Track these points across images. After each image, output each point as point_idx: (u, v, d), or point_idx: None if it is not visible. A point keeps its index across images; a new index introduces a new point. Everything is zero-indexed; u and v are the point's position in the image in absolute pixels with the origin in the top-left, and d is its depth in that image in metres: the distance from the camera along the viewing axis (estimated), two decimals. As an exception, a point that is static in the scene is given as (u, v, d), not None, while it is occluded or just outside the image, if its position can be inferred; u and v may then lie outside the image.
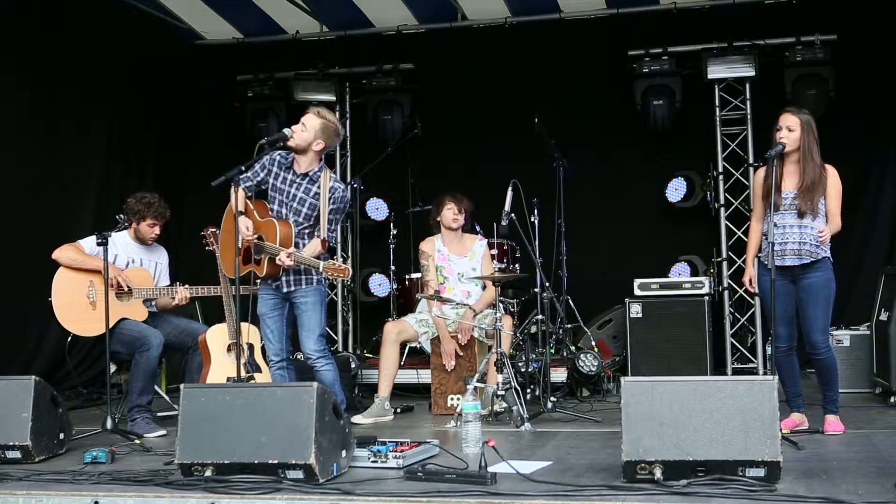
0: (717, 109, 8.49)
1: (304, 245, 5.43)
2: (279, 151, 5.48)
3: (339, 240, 5.51)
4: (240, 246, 5.12)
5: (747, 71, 8.18)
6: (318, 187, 5.43)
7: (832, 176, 5.24)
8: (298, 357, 6.98)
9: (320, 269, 5.22)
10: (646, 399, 3.93)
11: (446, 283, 6.70)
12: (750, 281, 5.42)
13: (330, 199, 5.41)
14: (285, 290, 5.44)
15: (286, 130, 5.38)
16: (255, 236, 5.36)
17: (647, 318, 7.50)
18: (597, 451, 4.81)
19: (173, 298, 6.09)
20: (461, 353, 6.45)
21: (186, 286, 6.10)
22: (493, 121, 8.74)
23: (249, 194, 5.50)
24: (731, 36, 8.22)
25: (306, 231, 5.46)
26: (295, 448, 4.03)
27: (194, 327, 6.24)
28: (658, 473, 3.82)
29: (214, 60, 9.22)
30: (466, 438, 4.84)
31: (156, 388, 6.34)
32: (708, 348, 7.40)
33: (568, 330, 7.67)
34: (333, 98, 8.92)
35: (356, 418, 6.09)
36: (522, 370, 6.55)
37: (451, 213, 6.69)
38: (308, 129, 5.40)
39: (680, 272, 8.30)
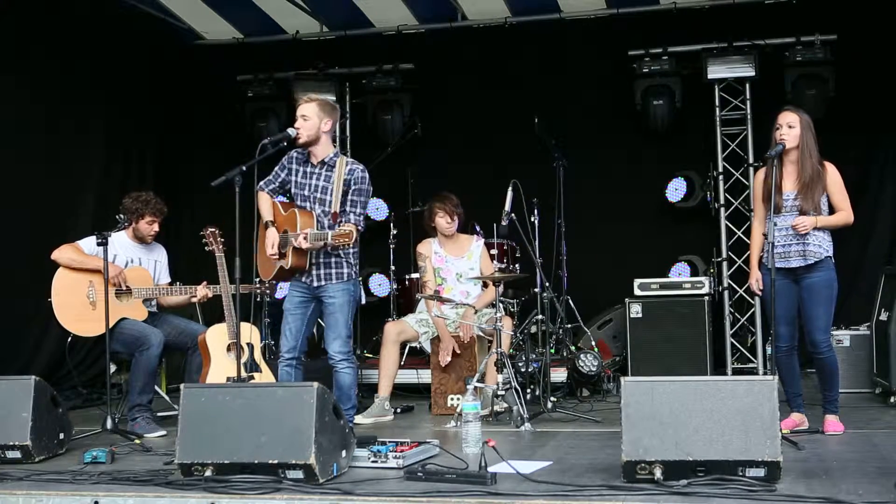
0: (717, 109, 8.49)
1: None
2: (296, 150, 5.53)
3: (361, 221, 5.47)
4: (272, 253, 5.23)
5: (747, 71, 8.18)
6: (336, 172, 5.43)
7: (832, 172, 5.24)
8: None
9: (329, 240, 5.19)
10: (646, 399, 3.93)
11: (444, 284, 6.70)
12: (757, 281, 5.40)
13: (348, 180, 5.39)
14: (315, 284, 5.43)
15: (290, 130, 5.39)
16: (282, 231, 5.37)
17: (647, 318, 7.50)
18: (597, 451, 4.81)
19: (194, 296, 6.09)
20: (458, 352, 6.45)
21: (206, 284, 6.11)
22: (493, 121, 8.74)
23: (276, 197, 5.53)
24: (731, 36, 8.22)
25: (338, 221, 5.44)
26: (295, 448, 4.02)
27: (194, 327, 6.24)
28: (658, 473, 3.82)
29: (214, 60, 9.22)
30: (466, 438, 4.84)
31: (156, 388, 6.34)
32: (708, 348, 7.39)
33: (568, 330, 7.66)
34: (333, 98, 8.89)
35: (356, 418, 6.09)
36: (522, 370, 6.55)
37: (443, 222, 6.70)
38: (311, 117, 5.42)
39: (680, 272, 8.30)
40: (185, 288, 6.13)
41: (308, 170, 5.50)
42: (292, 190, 5.55)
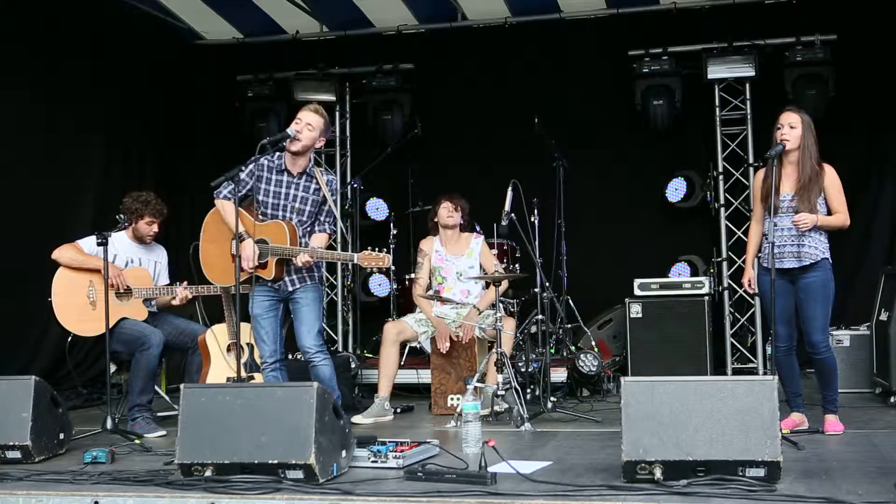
0: (717, 109, 8.49)
1: (306, 243, 5.43)
2: (266, 157, 5.42)
3: (337, 230, 5.55)
4: (242, 267, 5.19)
5: (747, 71, 8.18)
6: (316, 183, 5.42)
7: (829, 174, 5.23)
8: (297, 357, 7.00)
9: (356, 261, 5.20)
10: (646, 399, 3.93)
11: (445, 283, 6.70)
12: (749, 282, 5.43)
13: (330, 190, 5.41)
14: (289, 289, 5.41)
15: (289, 131, 5.36)
16: (257, 239, 5.33)
17: (647, 318, 7.50)
18: (597, 451, 4.81)
19: (174, 297, 6.09)
20: (455, 339, 6.44)
21: (185, 285, 6.10)
22: (493, 121, 8.74)
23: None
24: (731, 36, 8.22)
25: (308, 230, 5.45)
26: (295, 448, 4.03)
27: (194, 328, 6.24)
28: (658, 473, 3.82)
29: (214, 60, 9.23)
30: (466, 438, 4.84)
31: (156, 388, 6.34)
32: (708, 348, 7.40)
33: (568, 330, 7.66)
34: (333, 98, 8.93)
35: (356, 418, 6.09)
36: (522, 370, 6.55)
37: (445, 212, 6.72)
38: (315, 129, 5.38)
39: (680, 272, 8.30)
40: (166, 288, 6.10)
41: (284, 179, 5.43)
42: (260, 198, 5.41)
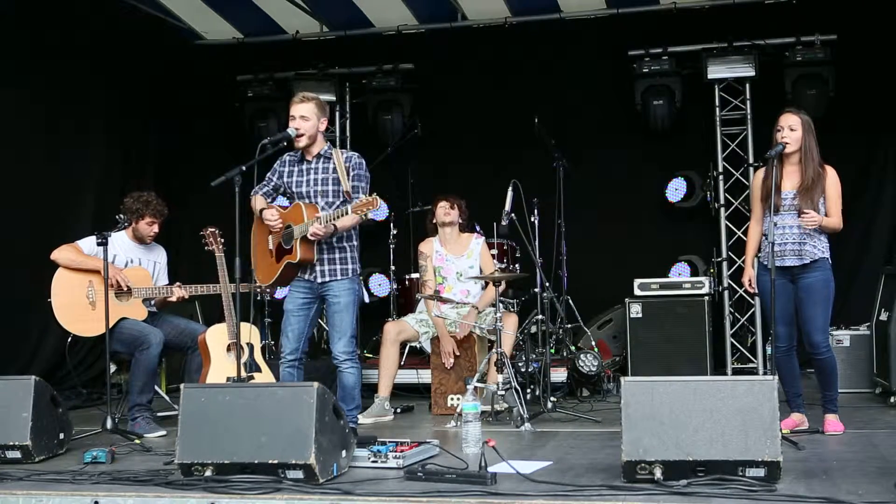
0: (717, 109, 8.49)
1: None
2: (288, 153, 5.50)
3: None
4: (270, 248, 5.24)
5: (747, 71, 8.19)
6: (333, 163, 5.40)
7: (831, 176, 5.24)
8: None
9: (349, 212, 5.16)
10: (646, 399, 3.93)
11: (445, 283, 6.71)
12: (749, 281, 5.44)
13: (347, 166, 5.37)
14: (320, 280, 5.36)
15: (290, 131, 5.35)
16: (284, 225, 5.36)
17: (647, 318, 7.50)
18: (597, 451, 4.81)
19: (170, 297, 6.09)
20: (458, 353, 6.45)
21: (179, 284, 6.10)
22: (493, 121, 8.74)
23: (269, 200, 5.51)
24: (731, 36, 8.22)
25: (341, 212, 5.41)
26: (295, 448, 4.03)
27: (194, 327, 6.24)
28: (658, 473, 3.82)
29: (214, 60, 9.22)
30: (466, 438, 4.84)
31: (156, 388, 6.34)
32: (708, 348, 7.39)
33: (568, 330, 7.66)
34: (333, 98, 8.92)
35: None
36: (522, 370, 6.55)
37: (442, 210, 6.73)
38: (310, 117, 5.36)
39: (680, 272, 8.29)
40: (166, 288, 6.10)
41: (304, 167, 5.43)
42: (289, 190, 5.49)
